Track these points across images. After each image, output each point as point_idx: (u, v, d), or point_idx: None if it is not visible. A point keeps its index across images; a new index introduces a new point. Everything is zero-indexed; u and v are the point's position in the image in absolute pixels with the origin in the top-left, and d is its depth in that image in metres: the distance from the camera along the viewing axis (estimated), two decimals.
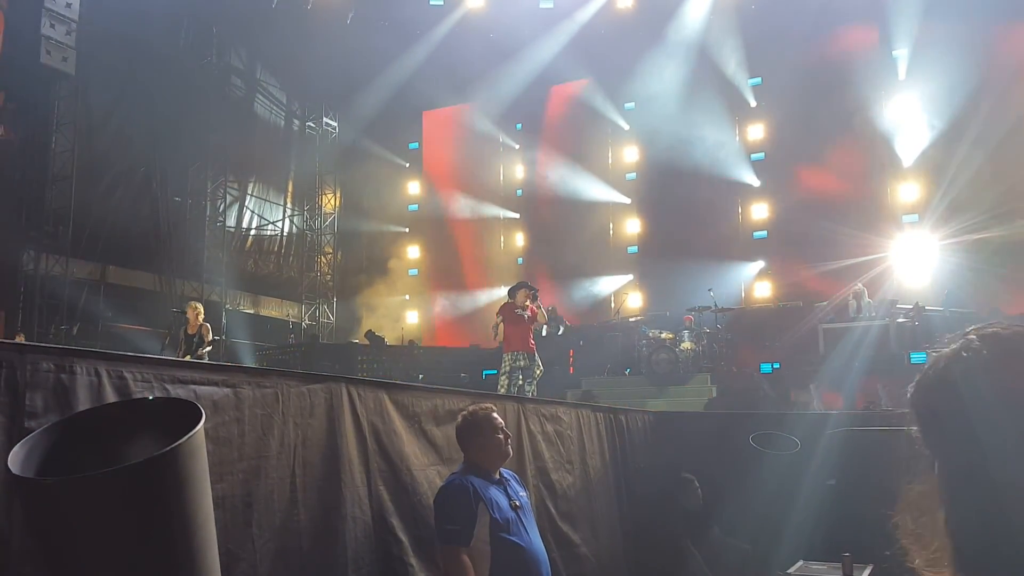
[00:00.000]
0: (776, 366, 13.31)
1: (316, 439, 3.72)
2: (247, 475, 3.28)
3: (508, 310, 9.67)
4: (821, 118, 16.16)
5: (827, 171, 16.24)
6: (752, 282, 17.55)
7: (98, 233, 15.20)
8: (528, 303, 9.65)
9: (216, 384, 3.21)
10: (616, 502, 5.98)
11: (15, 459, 1.58)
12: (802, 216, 16.28)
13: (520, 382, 9.48)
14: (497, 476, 3.77)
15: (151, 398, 2.57)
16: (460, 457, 3.89)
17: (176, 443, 1.52)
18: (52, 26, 13.47)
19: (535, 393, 9.35)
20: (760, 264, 17.57)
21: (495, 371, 16.19)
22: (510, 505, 3.66)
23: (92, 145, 15.35)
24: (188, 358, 10.08)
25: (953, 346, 1.07)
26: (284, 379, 3.62)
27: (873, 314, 12.78)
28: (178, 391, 3.03)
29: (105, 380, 2.76)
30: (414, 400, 4.41)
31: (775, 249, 17.34)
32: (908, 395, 1.11)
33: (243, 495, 3.23)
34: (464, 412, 3.90)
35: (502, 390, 9.11)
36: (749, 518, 5.96)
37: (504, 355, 9.61)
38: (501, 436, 3.76)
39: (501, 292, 20.97)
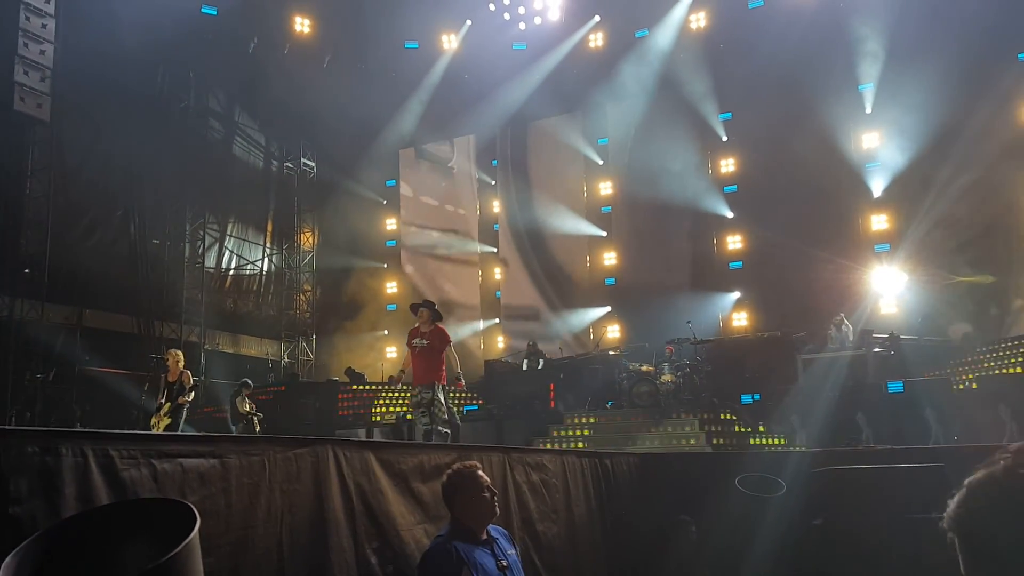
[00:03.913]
0: (756, 397, 13.35)
1: (303, 504, 3.67)
2: (234, 547, 3.23)
3: (409, 337, 8.41)
4: (791, 150, 16.44)
5: (799, 202, 16.50)
6: (729, 312, 17.70)
7: (75, 277, 15.03)
8: (427, 326, 8.23)
9: (203, 456, 3.17)
10: (603, 549, 5.95)
11: (7, 573, 1.55)
12: (776, 247, 16.50)
13: (427, 421, 7.96)
14: (484, 536, 3.70)
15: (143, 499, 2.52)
16: (447, 514, 3.84)
17: (172, 552, 1.50)
18: (26, 73, 13.41)
19: (446, 436, 7.85)
20: (736, 294, 17.73)
21: (476, 407, 16.24)
22: (497, 566, 3.60)
23: (68, 190, 15.24)
24: (168, 405, 9.98)
25: (1003, 478, 1.04)
26: (271, 445, 3.59)
27: (849, 343, 12.92)
28: (164, 465, 2.99)
29: (91, 459, 2.72)
30: (400, 458, 4.37)
31: (751, 279, 17.53)
32: (950, 514, 1.08)
33: (229, 568, 3.18)
34: (449, 470, 3.84)
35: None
36: (738, 560, 5.94)
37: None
38: (487, 495, 3.70)
39: (480, 326, 21.05)
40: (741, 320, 17.45)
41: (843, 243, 16.36)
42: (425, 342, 8.08)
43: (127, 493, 2.79)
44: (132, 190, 16.56)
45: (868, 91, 16.41)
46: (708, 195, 17.93)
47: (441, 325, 8.42)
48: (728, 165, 18.20)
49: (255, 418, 13.05)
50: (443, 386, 8.14)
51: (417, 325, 8.32)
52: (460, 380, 9.22)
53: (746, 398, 13.23)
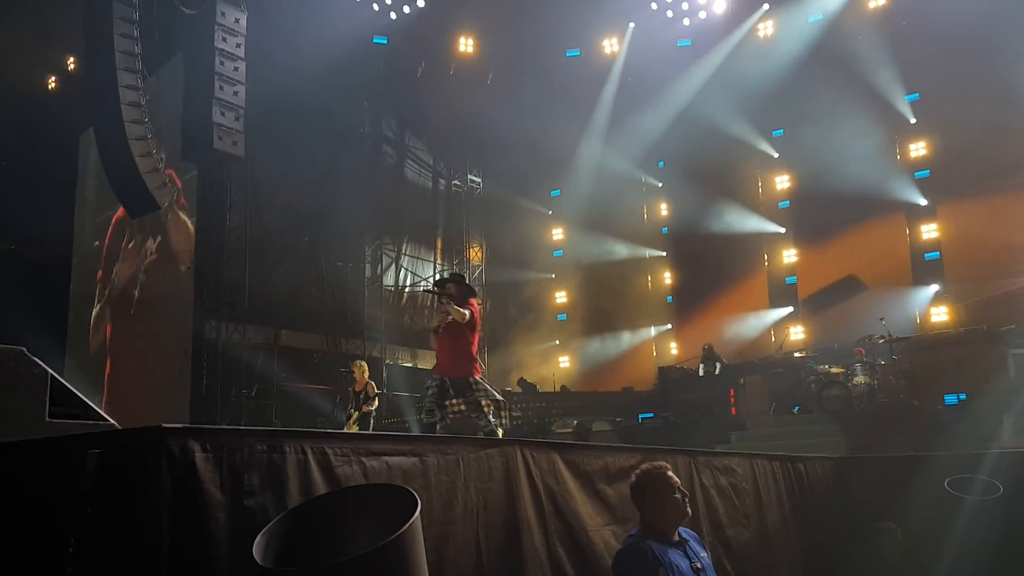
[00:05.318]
0: (962, 397, 12.30)
1: (496, 503, 3.85)
2: (437, 541, 3.44)
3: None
4: (990, 128, 15.06)
5: (1004, 184, 15.07)
6: (927, 307, 16.41)
7: (270, 300, 16.47)
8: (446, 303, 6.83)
9: (404, 454, 3.42)
10: (800, 557, 5.73)
11: (258, 549, 1.77)
12: (979, 233, 15.16)
13: (426, 416, 6.90)
14: (676, 537, 3.68)
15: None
16: (634, 516, 3.86)
17: (401, 529, 1.65)
18: (222, 113, 14.77)
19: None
20: (935, 287, 16.43)
21: (652, 414, 16.05)
22: (691, 568, 3.58)
23: (261, 220, 16.75)
24: (356, 414, 10.72)
25: None
26: (464, 445, 3.80)
27: None
28: (372, 463, 3.25)
29: (310, 457, 3.00)
30: (585, 459, 4.46)
31: (950, 271, 16.20)
32: None
33: (435, 561, 3.38)
34: (638, 471, 3.85)
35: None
36: (950, 569, 5.53)
37: None
38: (678, 496, 3.68)
39: (652, 333, 20.84)
40: (941, 315, 16.08)
41: None
42: (450, 318, 6.80)
43: (341, 488, 3.06)
44: (317, 217, 17.92)
45: None
46: (897, 182, 16.78)
47: (472, 300, 7.06)
48: (918, 149, 16.93)
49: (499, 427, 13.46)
50: (479, 379, 6.89)
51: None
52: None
53: (950, 398, 12.19)
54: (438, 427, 6.86)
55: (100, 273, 18.97)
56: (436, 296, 6.93)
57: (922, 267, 16.70)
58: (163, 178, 13.31)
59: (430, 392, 6.86)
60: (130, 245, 18.23)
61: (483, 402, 6.72)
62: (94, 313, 18.82)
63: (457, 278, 7.41)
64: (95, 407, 3.57)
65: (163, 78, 16.17)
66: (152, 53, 14.53)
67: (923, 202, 16.75)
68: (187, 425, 2.55)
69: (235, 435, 2.78)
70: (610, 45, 19.55)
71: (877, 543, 5.76)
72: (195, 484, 2.51)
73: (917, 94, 16.78)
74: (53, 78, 20.19)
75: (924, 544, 5.71)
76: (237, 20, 14.57)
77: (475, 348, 6.94)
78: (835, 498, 6.32)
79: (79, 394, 3.48)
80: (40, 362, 3.29)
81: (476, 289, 7.71)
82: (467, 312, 6.72)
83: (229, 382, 15.47)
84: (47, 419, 3.22)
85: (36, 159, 18.22)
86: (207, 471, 2.58)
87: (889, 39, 16.44)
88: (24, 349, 3.26)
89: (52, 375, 3.29)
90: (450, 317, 6.71)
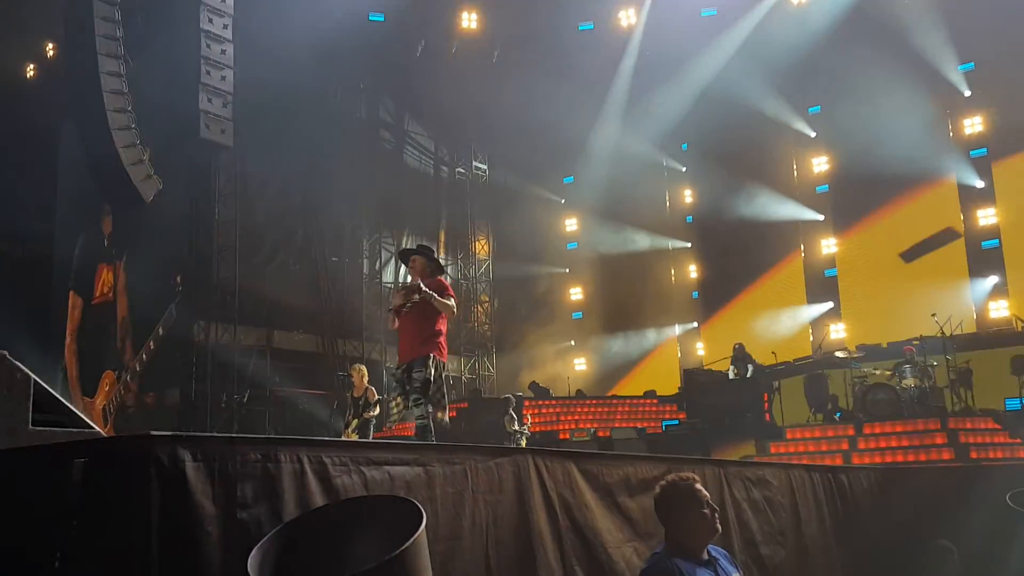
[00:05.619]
0: None
1: (507, 516, 3.88)
2: (443, 558, 3.48)
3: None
4: None
5: None
6: (985, 301, 16.34)
7: (263, 299, 16.66)
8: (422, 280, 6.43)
9: (408, 464, 3.46)
10: None
11: (253, 564, 1.83)
12: None
13: (396, 410, 6.58)
14: (705, 556, 3.70)
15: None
16: (657, 531, 3.87)
17: (407, 544, 1.70)
18: (209, 100, 14.92)
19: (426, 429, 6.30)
20: (993, 279, 16.34)
21: (676, 422, 16.05)
22: None
23: (252, 213, 16.92)
24: (356, 421, 10.80)
25: None
26: (472, 454, 3.84)
27: None
28: (373, 473, 3.31)
29: (307, 466, 3.06)
30: (604, 470, 4.48)
31: (1012, 259, 16.11)
32: None
33: None
34: (663, 483, 3.85)
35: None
36: None
37: None
38: (708, 511, 3.68)
39: (676, 331, 20.79)
40: (1001, 310, 16.02)
41: None
42: (417, 297, 6.27)
43: (340, 499, 3.12)
44: (311, 209, 18.07)
45: None
46: (950, 162, 16.70)
47: (442, 279, 6.67)
48: (974, 125, 16.83)
49: (523, 436, 13.36)
50: (443, 363, 6.48)
51: (407, 280, 6.89)
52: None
53: (1012, 403, 12.17)
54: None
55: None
56: (419, 291, 6.25)
57: (979, 257, 16.60)
58: (148, 170, 13.47)
59: (407, 379, 6.37)
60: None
61: (434, 393, 6.30)
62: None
63: (425, 250, 6.88)
64: (80, 414, 3.65)
65: (146, 64, 16.31)
66: (134, 37, 14.66)
67: (980, 184, 16.63)
68: (176, 432, 2.62)
69: (227, 443, 2.84)
70: (627, 16, 19.49)
71: (930, 563, 5.73)
72: (185, 495, 2.57)
73: (972, 63, 16.66)
74: (31, 66, 20.42)
75: (983, 564, 5.70)
76: None
77: (444, 330, 6.53)
78: (882, 513, 6.31)
79: (63, 400, 3.56)
80: (22, 366, 3.37)
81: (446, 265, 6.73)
82: (452, 303, 6.37)
83: (219, 387, 15.65)
84: (30, 427, 3.30)
85: (14, 152, 18.44)
86: (198, 481, 2.64)
87: (938, 5, 16.31)
88: (6, 353, 3.34)
89: (35, 380, 3.37)
90: (417, 296, 6.24)
